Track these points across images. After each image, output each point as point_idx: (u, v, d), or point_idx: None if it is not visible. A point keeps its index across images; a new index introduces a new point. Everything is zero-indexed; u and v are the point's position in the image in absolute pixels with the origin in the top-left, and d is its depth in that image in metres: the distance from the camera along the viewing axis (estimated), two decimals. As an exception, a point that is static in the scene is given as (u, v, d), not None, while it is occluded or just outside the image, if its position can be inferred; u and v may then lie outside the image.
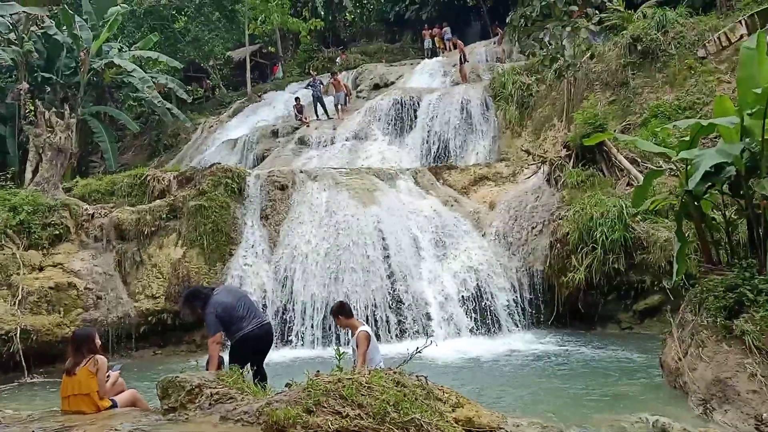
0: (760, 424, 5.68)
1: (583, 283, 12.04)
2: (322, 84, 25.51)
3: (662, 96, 16.75)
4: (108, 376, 6.11)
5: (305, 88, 26.92)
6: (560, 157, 14.59)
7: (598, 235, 11.96)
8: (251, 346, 6.78)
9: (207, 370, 6.47)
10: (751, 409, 5.82)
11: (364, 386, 5.08)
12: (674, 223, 9.82)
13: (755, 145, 6.95)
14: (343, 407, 4.87)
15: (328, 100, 25.07)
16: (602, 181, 13.47)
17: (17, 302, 11.36)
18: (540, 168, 14.99)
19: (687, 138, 7.75)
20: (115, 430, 4.71)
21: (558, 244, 12.77)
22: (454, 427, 5.45)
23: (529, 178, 15.21)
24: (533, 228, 13.49)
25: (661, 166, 11.20)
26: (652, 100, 16.74)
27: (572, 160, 14.17)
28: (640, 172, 13.10)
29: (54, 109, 15.52)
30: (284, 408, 4.74)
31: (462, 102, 21.20)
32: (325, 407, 4.84)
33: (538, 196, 14.12)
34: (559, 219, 13.07)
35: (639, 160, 14.04)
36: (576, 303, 12.40)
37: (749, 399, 5.88)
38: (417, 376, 5.76)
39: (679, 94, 16.48)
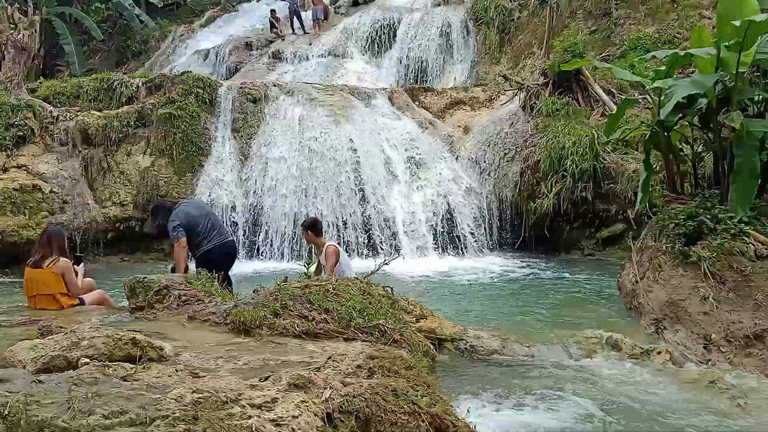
0: (708, 344, 5.99)
1: (551, 209, 12.28)
2: None
3: (643, 29, 16.64)
4: (76, 273, 6.11)
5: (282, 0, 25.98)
6: (537, 84, 14.50)
7: (568, 164, 12.10)
8: (212, 263, 6.67)
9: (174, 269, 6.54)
10: (701, 329, 6.12)
11: (331, 293, 5.19)
12: (643, 154, 10.00)
13: (729, 78, 6.99)
14: (310, 311, 4.97)
15: (305, 15, 24.27)
16: (577, 111, 13.49)
17: (-20, 203, 11.19)
18: (516, 94, 14.91)
19: (663, 68, 7.76)
20: (82, 322, 4.75)
21: (529, 171, 12.91)
22: (418, 334, 5.65)
23: (504, 104, 15.13)
24: (506, 154, 13.56)
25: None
26: (633, 32, 16.63)
27: (549, 89, 14.11)
28: (615, 103, 13.14)
29: (17, 5, 14.73)
30: (251, 309, 4.83)
31: (442, 24, 20.75)
32: (292, 311, 4.94)
33: (512, 123, 14.12)
34: (532, 146, 13.14)
35: (615, 91, 14.05)
36: (542, 229, 12.66)
37: (700, 320, 6.16)
38: (383, 287, 5.91)
39: (660, 27, 16.39)
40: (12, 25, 13.39)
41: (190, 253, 6.89)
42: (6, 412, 2.85)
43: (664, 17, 16.62)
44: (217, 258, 6.78)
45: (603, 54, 16.32)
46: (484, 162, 13.78)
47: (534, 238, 12.89)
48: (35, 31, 13.61)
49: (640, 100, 11.36)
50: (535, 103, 14.05)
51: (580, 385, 5.13)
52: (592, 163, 12.01)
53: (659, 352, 5.87)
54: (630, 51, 15.48)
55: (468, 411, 3.90)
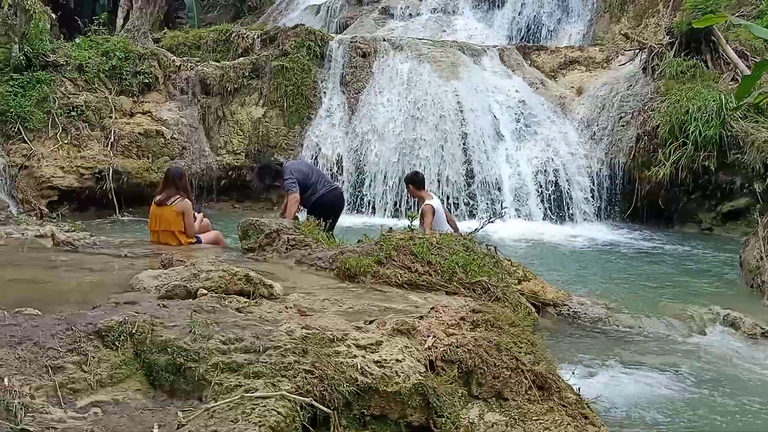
0: (838, 328, 5.51)
1: (667, 179, 11.59)
2: None
3: (785, -13, 15.11)
4: (195, 218, 6.47)
5: None
6: (662, 44, 13.58)
7: (691, 130, 11.32)
8: (325, 208, 7.12)
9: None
10: (831, 312, 5.63)
11: (435, 246, 5.18)
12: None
13: None
14: (413, 263, 4.99)
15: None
16: (705, 74, 12.55)
17: (110, 144, 12.01)
18: (637, 55, 14.05)
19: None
20: (200, 257, 5.02)
21: (645, 137, 12.22)
22: (520, 295, 5.56)
23: (623, 65, 14.30)
24: (621, 118, 12.89)
25: (774, 61, 10.27)
26: (773, -10, 15.14)
27: (674, 49, 13.18)
28: (749, 67, 12.10)
29: (144, -43, 15.45)
30: (357, 257, 4.92)
31: (560, -21, 19.76)
32: (396, 261, 4.98)
33: (631, 85, 13.36)
34: (651, 110, 12.40)
35: (749, 54, 12.94)
36: (656, 199, 12.02)
37: (831, 303, 5.67)
38: (487, 246, 5.83)
39: (806, -15, 14.81)
40: (140, -24, 14.04)
41: (300, 206, 7.25)
42: (134, 331, 3.07)
43: (810, -27, 15.00)
44: (328, 203, 7.21)
45: (738, 14, 14.99)
46: (597, 125, 13.17)
47: (646, 208, 12.27)
48: (161, -17, 14.20)
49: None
50: (657, 64, 13.20)
51: (690, 361, 4.89)
52: (718, 130, 11.17)
53: (783, 334, 5.47)
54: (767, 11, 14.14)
55: (573, 374, 3.80)
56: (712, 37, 12.99)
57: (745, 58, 12.77)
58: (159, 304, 3.49)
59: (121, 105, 12.63)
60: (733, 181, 11.28)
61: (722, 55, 12.92)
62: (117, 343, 2.95)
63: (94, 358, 2.85)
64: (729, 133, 11.27)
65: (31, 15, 11.71)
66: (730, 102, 10.99)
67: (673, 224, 12.11)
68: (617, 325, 5.65)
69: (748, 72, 11.19)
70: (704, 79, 12.39)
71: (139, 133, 12.43)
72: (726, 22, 12.23)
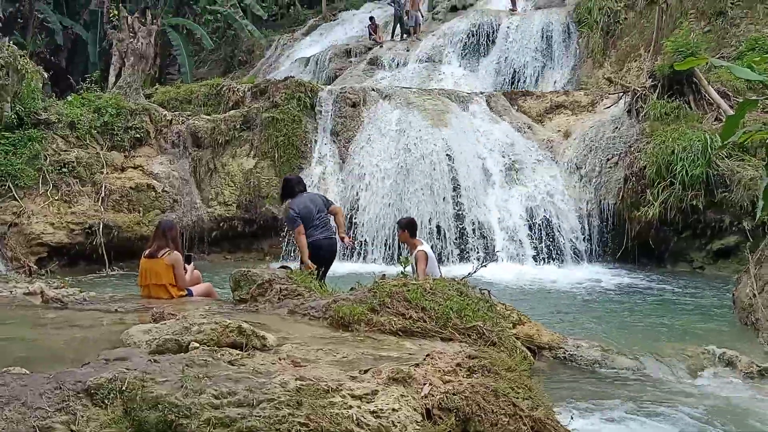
0: (835, 364, 5.48)
1: (657, 218, 11.68)
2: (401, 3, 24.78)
3: (762, 29, 15.59)
4: (186, 271, 6.44)
5: (389, 4, 26.16)
6: (645, 87, 13.88)
7: (677, 170, 11.47)
8: (318, 253, 7.14)
9: (300, 260, 7.13)
10: (827, 348, 5.61)
11: (429, 292, 5.16)
12: (762, 159, 9.32)
13: None
14: (407, 309, 4.96)
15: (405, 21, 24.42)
16: (688, 115, 12.79)
17: (100, 199, 12.03)
18: (621, 98, 14.33)
19: (790, 66, 7.21)
20: (191, 310, 4.98)
21: (633, 178, 12.36)
22: (515, 340, 5.51)
23: (608, 108, 14.57)
24: (608, 160, 13.06)
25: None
26: (750, 32, 15.62)
27: (657, 91, 13.46)
28: (731, 107, 12.35)
29: (136, 16, 15.79)
30: (350, 305, 4.89)
31: (543, 27, 20.31)
32: (389, 308, 4.95)
33: (616, 127, 13.58)
34: (638, 151, 12.58)
35: (730, 94, 13.22)
36: (646, 239, 12.08)
37: (826, 339, 5.65)
38: (480, 290, 5.81)
39: (781, 27, 15.28)
40: (132, 34, 14.35)
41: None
42: (124, 388, 3.02)
43: (785, 17, 15.51)
44: (321, 249, 7.16)
45: (717, 56, 15.38)
46: (586, 167, 13.33)
47: (637, 248, 12.31)
48: (152, 40, 14.49)
49: (761, 102, 10.61)
50: (641, 106, 13.45)
51: (688, 403, 4.82)
52: (704, 169, 11.32)
53: (780, 372, 5.42)
54: (747, 52, 14.50)
55: (572, 418, 3.75)
56: (694, 79, 13.28)
57: (727, 98, 13.04)
58: (150, 359, 3.44)
59: (112, 160, 12.73)
60: (722, 219, 11.36)
61: (705, 96, 13.19)
62: (106, 401, 2.90)
63: (83, 417, 2.80)
64: (715, 172, 11.42)
65: (23, 74, 11.88)
66: (715, 141, 11.17)
67: (665, 264, 12.13)
68: (614, 367, 5.59)
69: (731, 112, 11.44)
70: (688, 119, 12.62)
71: (130, 188, 12.47)
72: (707, 64, 12.55)
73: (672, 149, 11.77)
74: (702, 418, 4.47)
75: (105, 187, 12.21)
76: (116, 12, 19.70)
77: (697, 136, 11.70)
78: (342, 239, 7.57)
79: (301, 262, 7.14)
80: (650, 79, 13.96)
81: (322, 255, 7.19)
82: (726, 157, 11.57)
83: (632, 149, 12.85)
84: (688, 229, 11.81)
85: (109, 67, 17.63)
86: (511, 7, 22.54)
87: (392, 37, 24.12)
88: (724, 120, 10.62)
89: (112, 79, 14.87)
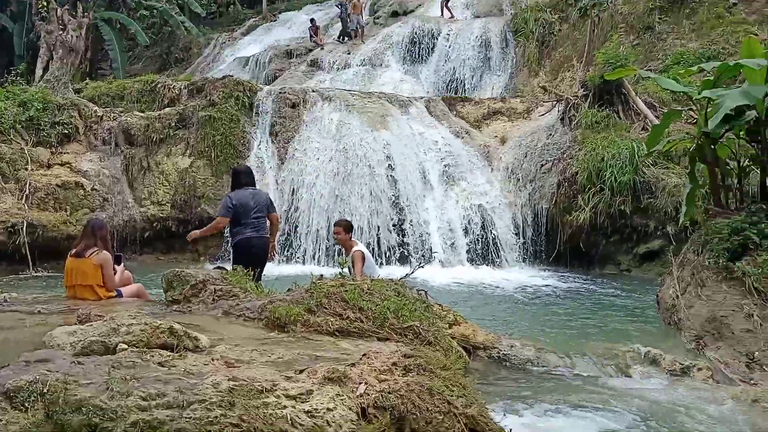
0: (751, 362, 5.79)
1: (587, 223, 12.07)
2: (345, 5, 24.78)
3: (687, 44, 16.36)
4: (115, 271, 6.21)
5: (336, 6, 26.03)
6: (577, 96, 14.35)
7: (607, 176, 11.91)
8: (249, 251, 7.02)
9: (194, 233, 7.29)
10: (743, 347, 5.92)
11: (366, 292, 5.16)
12: (686, 168, 9.78)
13: (780, 90, 6.80)
14: (344, 310, 4.95)
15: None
16: (617, 124, 13.30)
17: (24, 197, 11.50)
18: (555, 106, 14.77)
19: (711, 78, 7.59)
20: (120, 312, 4.81)
21: (566, 183, 12.74)
22: (451, 339, 5.58)
23: (543, 115, 15.00)
24: (542, 165, 13.42)
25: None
26: (676, 46, 16.37)
27: (589, 101, 13.94)
28: (657, 117, 12.91)
29: (67, 8, 15.18)
30: (286, 306, 4.83)
31: (481, 36, 20.74)
32: (327, 308, 4.92)
33: (550, 134, 13.98)
34: (570, 158, 12.98)
35: (656, 105, 13.83)
36: (578, 243, 12.46)
37: (743, 338, 5.97)
38: (417, 290, 5.86)
39: (705, 42, 16.09)
40: (61, 26, 13.79)
41: (230, 237, 7.39)
42: (45, 390, 2.88)
43: (708, 33, 16.33)
44: (251, 246, 7.02)
45: (645, 68, 16.04)
46: (521, 173, 13.66)
47: (569, 251, 12.68)
48: (83, 34, 13.95)
49: (684, 113, 11.12)
50: (574, 115, 13.90)
51: (616, 399, 4.99)
52: (631, 176, 11.79)
53: (700, 369, 5.68)
54: (673, 65, 15.21)
55: (504, 415, 3.82)
56: (623, 90, 13.82)
57: (653, 108, 13.63)
58: (74, 362, 3.29)
59: (38, 156, 12.19)
60: (648, 224, 11.84)
61: (632, 106, 13.74)
62: (27, 404, 2.76)
63: (1, 420, 2.65)
64: (642, 179, 11.91)
65: (-59, 64, 11.25)
66: (642, 150, 11.63)
67: (594, 266, 12.53)
68: (546, 366, 5.73)
69: (656, 122, 11.95)
70: (617, 128, 13.10)
71: (57, 185, 11.97)
72: (635, 75, 13.11)
73: (602, 156, 12.19)
74: (628, 413, 4.63)
75: (30, 185, 11.68)
76: (45, 3, 18.86)
77: (625, 145, 12.18)
78: (271, 248, 7.38)
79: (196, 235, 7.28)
80: (582, 89, 14.44)
81: (254, 253, 7.01)
82: (652, 164, 12.08)
83: (565, 156, 13.24)
84: (616, 233, 12.27)
85: (36, 59, 16.87)
86: (450, 16, 22.91)
87: (340, 39, 24.03)
88: (650, 129, 11.10)
89: (39, 72, 14.23)
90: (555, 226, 12.82)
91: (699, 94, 7.39)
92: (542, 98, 16.38)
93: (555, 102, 14.95)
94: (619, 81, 13.16)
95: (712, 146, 7.55)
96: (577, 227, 12.28)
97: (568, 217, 12.44)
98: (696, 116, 8.79)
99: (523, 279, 11.41)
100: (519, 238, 12.91)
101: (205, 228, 7.51)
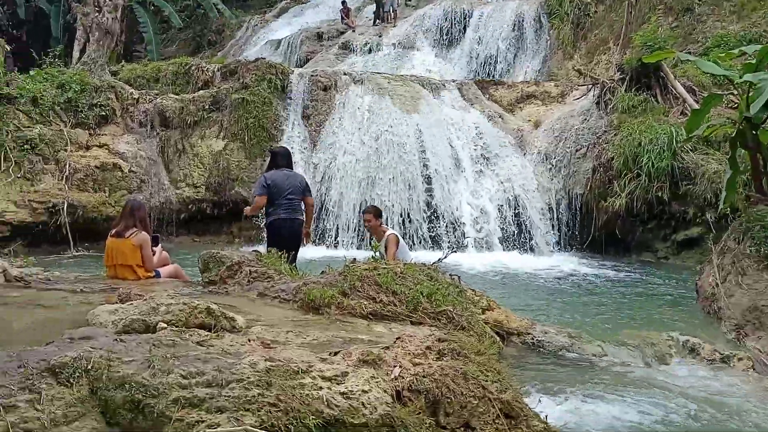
0: (792, 352, 5.66)
1: (623, 209, 11.90)
2: None
3: (728, 26, 15.90)
4: (153, 252, 6.31)
5: None
6: (613, 80, 14.07)
7: (644, 162, 11.68)
8: (279, 232, 7.10)
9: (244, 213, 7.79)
10: (785, 337, 5.79)
11: (399, 276, 5.16)
12: (726, 153, 9.53)
13: (825, 74, 6.56)
14: (378, 293, 4.96)
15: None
16: (655, 108, 13.01)
17: (64, 178, 11.73)
18: (591, 90, 14.51)
19: (753, 61, 7.36)
20: (159, 291, 4.89)
21: (601, 169, 12.55)
22: (485, 325, 5.56)
23: (578, 99, 14.75)
24: (577, 150, 13.23)
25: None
26: (716, 29, 15.91)
27: (625, 84, 13.66)
28: (696, 101, 12.60)
29: (102, -10, 15.36)
30: (320, 288, 4.86)
31: (515, 17, 20.43)
32: (360, 291, 4.94)
33: (585, 119, 13.75)
34: (605, 143, 12.77)
35: (696, 89, 13.48)
36: (613, 229, 12.30)
37: (785, 328, 5.83)
38: (450, 275, 5.84)
39: (746, 25, 15.60)
40: (97, 8, 13.96)
41: (264, 216, 7.41)
42: (89, 367, 2.95)
43: (749, 14, 15.84)
44: (281, 229, 7.08)
45: (684, 51, 15.65)
46: (555, 158, 13.49)
47: (604, 238, 12.52)
48: (118, 16, 14.11)
49: (725, 97, 10.83)
50: (610, 99, 13.65)
51: (653, 388, 4.92)
52: (669, 162, 11.55)
53: (740, 359, 5.57)
54: (713, 48, 14.79)
55: (540, 401, 3.79)
56: (661, 73, 13.50)
57: (692, 92, 13.29)
58: (116, 339, 3.36)
59: (77, 138, 12.40)
60: (686, 210, 11.62)
61: (671, 90, 13.42)
62: (71, 380, 2.82)
63: (47, 396, 2.72)
64: (680, 165, 11.66)
65: (-17, 47, 11.50)
66: (680, 135, 11.38)
67: (631, 253, 12.37)
68: (581, 353, 5.67)
69: (696, 106, 11.65)
70: (655, 113, 12.83)
71: (96, 167, 12.18)
72: (674, 58, 12.79)
73: (639, 141, 11.96)
74: (665, 403, 4.56)
75: (69, 166, 11.90)
76: (81, -14, 19.11)
77: (663, 129, 11.92)
78: (305, 234, 7.46)
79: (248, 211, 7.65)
80: (619, 72, 14.15)
81: (285, 235, 7.06)
82: (691, 150, 11.81)
83: (600, 140, 13.03)
84: (654, 219, 12.06)
85: (73, 42, 17.13)
86: None
87: (375, 21, 23.84)
88: (689, 114, 10.83)
89: (76, 54, 14.45)
90: (590, 212, 12.67)
91: (740, 78, 7.18)
92: (577, 82, 16.11)
93: (590, 85, 14.68)
94: (657, 64, 12.85)
95: (754, 132, 7.33)
96: (612, 213, 12.11)
97: (604, 203, 12.27)
98: (737, 101, 8.56)
99: (557, 265, 11.30)
100: (553, 224, 12.78)
101: (249, 207, 7.70)
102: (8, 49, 13.11)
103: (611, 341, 6.00)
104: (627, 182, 12.00)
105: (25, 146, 11.78)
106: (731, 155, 7.78)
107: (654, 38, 13.90)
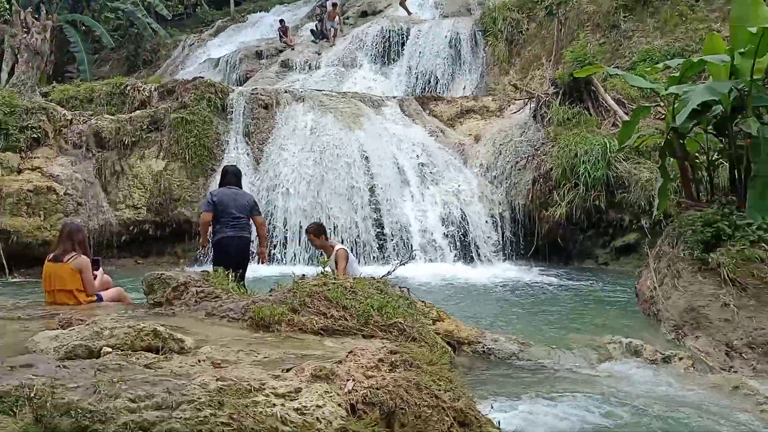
0: (730, 350, 5.92)
1: (564, 218, 12.23)
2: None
3: (652, 41, 16.68)
4: (95, 276, 6.11)
5: (318, 6, 25.74)
6: (548, 94, 14.52)
7: (581, 172, 12.07)
8: (225, 250, 7.05)
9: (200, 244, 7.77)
10: (722, 336, 6.05)
11: (349, 290, 5.16)
12: (656, 162, 9.96)
13: (743, 85, 6.96)
14: (328, 308, 4.94)
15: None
16: (588, 120, 13.49)
17: (-4, 203, 11.25)
18: (527, 104, 14.93)
19: (677, 74, 7.75)
20: (101, 315, 4.74)
21: (541, 179, 12.89)
22: (436, 335, 5.60)
23: (515, 113, 15.14)
24: (517, 162, 13.55)
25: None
26: (641, 44, 16.68)
27: (559, 98, 14.12)
28: (626, 113, 13.14)
29: (30, 10, 14.88)
30: (270, 306, 4.81)
31: (450, 35, 20.86)
32: (310, 307, 4.91)
33: (523, 132, 14.13)
34: (544, 155, 13.13)
35: (625, 102, 14.06)
36: (555, 238, 12.61)
37: (721, 327, 6.10)
38: (400, 287, 5.87)
39: (669, 40, 16.42)
40: (25, 29, 13.51)
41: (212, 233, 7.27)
42: (32, 395, 2.83)
43: (672, 30, 16.67)
44: (229, 245, 7.04)
45: (612, 66, 16.30)
46: (496, 170, 13.78)
47: (547, 246, 12.83)
48: (47, 36, 13.69)
49: (652, 109, 11.33)
50: (545, 112, 14.06)
51: (600, 389, 5.07)
52: (604, 171, 11.97)
53: (681, 359, 5.79)
54: (639, 63, 15.49)
55: (492, 407, 3.85)
56: (592, 87, 14.02)
57: (622, 105, 13.85)
58: (59, 365, 3.24)
59: (7, 161, 11.91)
60: (623, 218, 12.04)
61: (602, 102, 13.95)
62: (14, 409, 2.70)
63: (-13, 426, 2.60)
64: (615, 174, 12.10)
65: None
66: (613, 145, 11.80)
67: (573, 261, 12.70)
68: (530, 359, 5.79)
69: (626, 118, 12.14)
70: (588, 124, 13.29)
71: (29, 190, 11.71)
72: (603, 72, 13.30)
73: (575, 152, 12.35)
74: (613, 403, 4.70)
75: (1, 190, 11.40)
76: (8, 6, 18.46)
77: (597, 141, 12.36)
78: (260, 253, 7.44)
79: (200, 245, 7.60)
80: (552, 87, 14.61)
81: (230, 253, 7.01)
82: (624, 160, 12.27)
83: (539, 152, 13.39)
84: (593, 227, 12.45)
85: (0, 63, 16.50)
86: (407, 13, 23.10)
87: (316, 38, 23.76)
88: (620, 125, 11.29)
89: (4, 76, 13.92)
90: (532, 222, 12.96)
91: (666, 90, 7.54)
92: (514, 96, 16.55)
93: (527, 99, 15.11)
94: (588, 78, 13.36)
95: (681, 141, 7.70)
96: (554, 222, 12.44)
97: (545, 212, 12.59)
98: (664, 112, 8.99)
99: (502, 274, 11.50)
100: (497, 234, 13.02)
101: (201, 234, 7.53)
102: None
103: (559, 346, 6.15)
104: (566, 192, 12.36)
105: (-48, 172, 11.26)
106: (661, 164, 8.15)
107: (584, 54, 14.43)
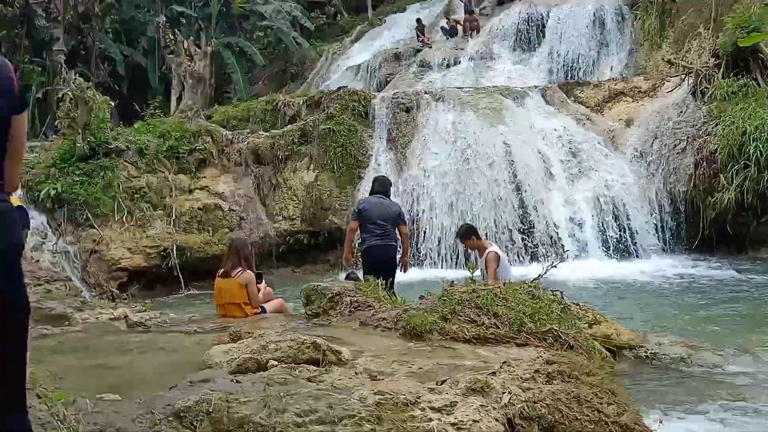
0: None
1: (733, 203, 11.20)
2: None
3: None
4: (258, 289, 6.57)
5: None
6: (708, 66, 13.35)
7: (751, 151, 11.00)
8: (368, 258, 7.25)
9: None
10: None
11: (500, 297, 5.09)
12: None
13: None
14: (479, 316, 4.91)
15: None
16: (757, 92, 12.25)
17: (172, 222, 12.47)
18: (684, 80, 13.83)
19: None
20: (267, 328, 5.08)
21: (704, 163, 11.92)
22: (593, 341, 5.37)
23: (671, 91, 14.08)
24: (675, 146, 12.63)
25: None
26: (818, -1, 14.76)
27: (722, 70, 12.95)
28: (804, 80, 11.76)
29: (192, 38, 16.29)
30: (421, 315, 4.88)
31: (594, 13, 19.82)
32: (461, 316, 4.91)
33: (681, 111, 13.12)
34: (706, 135, 12.14)
35: (801, 68, 12.58)
36: (724, 226, 11.61)
37: None
38: (552, 291, 5.69)
39: None
40: (189, 58, 14.79)
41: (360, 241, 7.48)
42: (210, 409, 3.10)
43: None
44: (373, 257, 7.19)
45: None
46: (652, 155, 12.93)
47: (715, 236, 11.84)
48: (208, 62, 14.92)
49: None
50: (706, 87, 12.98)
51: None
52: (780, 148, 10.80)
53: None
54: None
55: (661, 422, 3.61)
56: (760, 54, 12.70)
57: (798, 71, 12.42)
58: (233, 380, 3.52)
59: (180, 183, 13.17)
60: (804, 199, 10.81)
61: (774, 71, 12.60)
62: (195, 423, 2.98)
63: (174, 440, 2.89)
64: (794, 150, 10.89)
65: (91, 106, 12.44)
66: (790, 118, 10.65)
67: (746, 250, 11.63)
68: (701, 364, 5.36)
69: (803, 86, 10.87)
70: (757, 97, 12.10)
71: (198, 208, 12.88)
72: (773, 38, 12.01)
73: (743, 130, 11.32)
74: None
75: (175, 210, 12.65)
76: (172, 37, 20.37)
77: (769, 114, 11.19)
78: (403, 263, 7.57)
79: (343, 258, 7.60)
80: (713, 58, 13.44)
81: (375, 260, 7.16)
82: (804, 133, 11.00)
83: (700, 133, 12.42)
84: (768, 212, 11.30)
85: (170, 91, 18.26)
86: None
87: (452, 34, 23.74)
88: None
89: (173, 103, 15.40)
90: (696, 210, 12.03)
91: None
92: (668, 73, 15.38)
93: (683, 75, 14.01)
94: (755, 46, 12.11)
95: None
96: (722, 209, 11.44)
97: (711, 198, 11.64)
98: None
99: (664, 269, 10.78)
100: (656, 226, 12.19)
101: (345, 247, 7.78)
102: (113, 105, 14.12)
103: (734, 349, 5.64)
104: (734, 174, 11.34)
105: (136, 195, 12.65)
106: None
107: (747, 19, 13.09)
